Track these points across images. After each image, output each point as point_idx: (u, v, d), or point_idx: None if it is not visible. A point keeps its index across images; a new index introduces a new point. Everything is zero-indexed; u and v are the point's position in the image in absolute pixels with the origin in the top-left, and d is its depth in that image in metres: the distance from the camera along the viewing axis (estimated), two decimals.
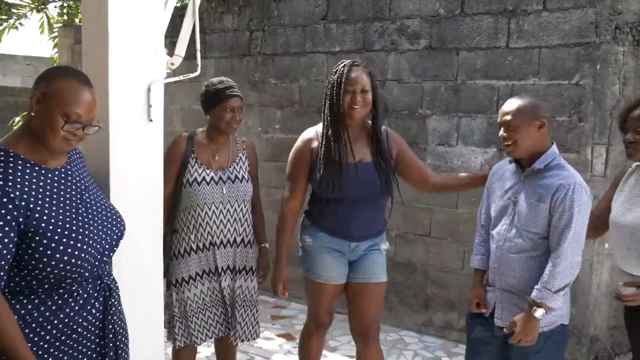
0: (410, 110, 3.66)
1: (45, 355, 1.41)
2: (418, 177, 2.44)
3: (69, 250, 1.39)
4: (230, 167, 2.43)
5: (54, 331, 1.42)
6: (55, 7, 6.52)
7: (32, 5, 6.06)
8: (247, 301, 2.50)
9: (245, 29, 4.38)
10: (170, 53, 2.18)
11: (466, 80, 3.45)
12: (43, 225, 1.37)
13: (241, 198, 2.43)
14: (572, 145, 3.13)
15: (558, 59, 3.15)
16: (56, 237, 1.38)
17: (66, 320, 1.43)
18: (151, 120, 1.88)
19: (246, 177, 2.46)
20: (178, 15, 2.53)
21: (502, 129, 1.99)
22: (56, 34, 5.95)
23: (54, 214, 1.40)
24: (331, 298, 2.43)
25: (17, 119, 6.09)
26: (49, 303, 1.41)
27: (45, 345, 1.41)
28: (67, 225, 1.41)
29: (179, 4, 3.49)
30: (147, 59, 1.89)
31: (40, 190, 1.40)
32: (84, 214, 1.47)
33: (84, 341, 1.48)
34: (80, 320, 1.46)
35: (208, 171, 2.38)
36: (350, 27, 3.86)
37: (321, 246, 2.35)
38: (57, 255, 1.37)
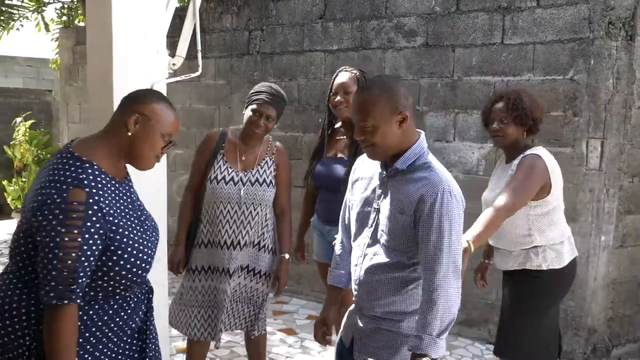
0: None
1: (102, 357, 1.45)
2: None
3: (137, 261, 1.45)
4: (254, 169, 2.44)
5: (110, 334, 1.46)
6: (56, 8, 6.56)
7: (32, 7, 6.11)
8: (253, 300, 2.52)
9: (244, 28, 4.42)
10: (172, 54, 2.24)
11: (462, 77, 3.50)
12: (118, 237, 1.41)
13: (258, 201, 2.43)
14: (567, 139, 3.18)
15: (552, 55, 3.19)
16: (128, 249, 1.43)
17: (121, 323, 1.48)
18: None
19: (268, 181, 2.45)
20: (178, 17, 2.58)
21: (358, 128, 1.59)
22: (57, 35, 5.99)
23: (126, 227, 1.44)
24: (323, 276, 2.52)
25: (19, 119, 6.15)
26: (106, 308, 1.45)
27: (104, 350, 1.45)
28: (135, 237, 1.46)
29: (179, 5, 3.53)
30: (149, 60, 1.94)
31: (118, 204, 1.45)
32: (142, 224, 1.53)
33: (131, 341, 1.54)
34: (131, 323, 1.51)
35: (230, 170, 2.42)
36: (348, 26, 3.91)
37: (313, 227, 2.76)
38: (128, 266, 1.43)
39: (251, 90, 2.47)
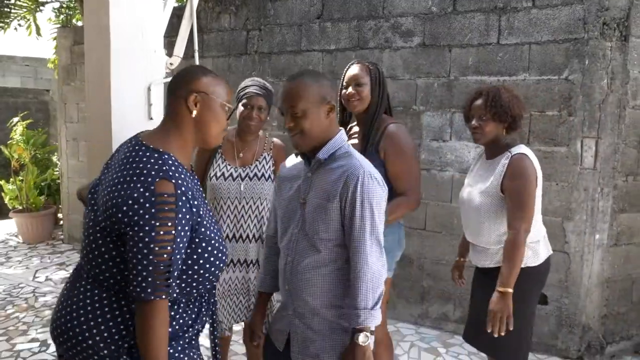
0: (404, 107, 3.73)
1: (183, 357, 1.42)
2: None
3: (220, 254, 1.43)
4: (252, 164, 2.50)
5: (190, 333, 1.44)
6: (54, 8, 6.56)
7: (30, 7, 6.11)
8: (250, 290, 2.54)
9: (242, 28, 4.44)
10: (169, 53, 2.25)
11: (459, 77, 3.52)
12: (202, 230, 1.37)
13: (257, 195, 2.49)
14: (562, 139, 3.20)
15: (548, 55, 3.22)
16: (212, 242, 1.40)
17: (198, 321, 1.46)
18: (151, 119, 1.95)
19: (267, 175, 2.50)
20: (176, 16, 2.60)
21: (287, 115, 1.63)
22: (55, 34, 5.99)
23: (207, 218, 1.41)
24: None
25: (16, 119, 6.15)
26: (188, 310, 1.43)
27: (186, 349, 1.43)
28: (215, 230, 1.43)
29: (177, 5, 3.54)
30: (147, 60, 1.95)
31: (197, 195, 1.40)
32: (213, 217, 1.50)
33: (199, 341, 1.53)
34: (205, 320, 1.50)
35: (229, 167, 2.47)
36: (345, 26, 3.93)
37: None
38: (214, 260, 1.40)
39: (237, 88, 2.49)
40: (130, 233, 1.26)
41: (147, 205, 1.25)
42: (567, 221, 3.22)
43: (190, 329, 1.43)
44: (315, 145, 1.63)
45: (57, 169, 6.26)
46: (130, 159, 1.33)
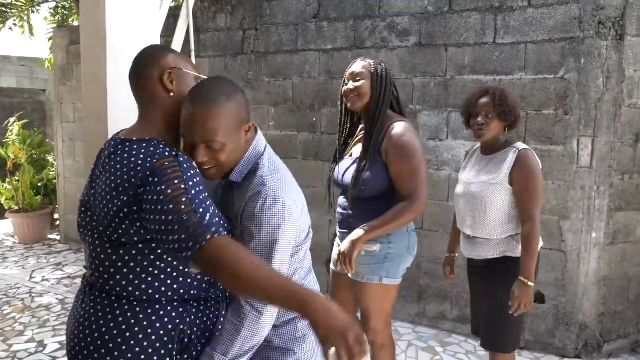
0: None
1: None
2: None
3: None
4: None
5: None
6: (50, 8, 6.54)
7: (25, 7, 6.09)
8: None
9: (239, 28, 4.44)
10: None
11: (455, 76, 3.52)
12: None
13: None
14: (558, 138, 3.21)
15: (544, 54, 3.22)
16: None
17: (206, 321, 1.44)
18: None
19: None
20: (172, 16, 2.60)
21: (200, 149, 1.33)
22: (51, 34, 5.98)
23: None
24: (332, 282, 2.46)
25: (12, 119, 6.13)
26: (224, 306, 1.43)
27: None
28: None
29: (173, 4, 3.53)
30: None
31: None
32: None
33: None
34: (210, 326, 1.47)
35: None
36: (342, 25, 3.93)
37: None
38: None
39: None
40: (146, 207, 1.21)
41: (151, 179, 1.21)
42: (564, 220, 3.23)
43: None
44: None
45: (54, 169, 6.24)
46: (119, 158, 1.28)
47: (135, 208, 1.23)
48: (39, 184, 6.18)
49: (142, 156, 1.25)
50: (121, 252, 1.28)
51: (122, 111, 1.87)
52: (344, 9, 3.91)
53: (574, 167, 3.17)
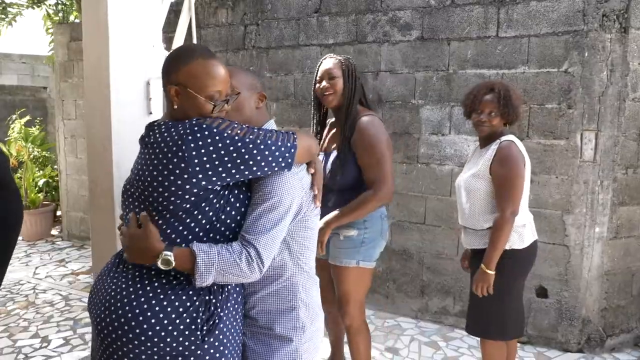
0: (403, 101, 3.72)
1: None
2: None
3: None
4: None
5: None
6: (50, 5, 6.53)
7: (28, 3, 6.08)
8: None
9: (240, 23, 4.42)
10: (168, 48, 2.24)
11: (457, 70, 3.51)
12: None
13: None
14: (561, 132, 3.20)
15: (547, 47, 3.21)
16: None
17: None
18: (151, 113, 1.94)
19: None
20: (173, 11, 2.59)
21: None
22: (51, 31, 5.96)
23: None
24: (319, 271, 2.54)
25: (14, 116, 6.13)
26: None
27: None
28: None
29: (174, 0, 3.53)
30: (145, 55, 1.95)
31: None
32: None
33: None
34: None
35: None
36: (343, 20, 3.91)
37: None
38: None
39: None
40: (215, 182, 1.29)
41: (199, 134, 1.27)
42: (567, 214, 3.22)
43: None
44: None
45: (56, 166, 6.25)
46: (164, 136, 1.31)
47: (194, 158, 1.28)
48: (42, 182, 6.19)
49: (186, 130, 1.30)
50: (160, 221, 1.31)
51: (124, 108, 1.87)
52: (346, 3, 3.90)
53: (578, 162, 3.16)
